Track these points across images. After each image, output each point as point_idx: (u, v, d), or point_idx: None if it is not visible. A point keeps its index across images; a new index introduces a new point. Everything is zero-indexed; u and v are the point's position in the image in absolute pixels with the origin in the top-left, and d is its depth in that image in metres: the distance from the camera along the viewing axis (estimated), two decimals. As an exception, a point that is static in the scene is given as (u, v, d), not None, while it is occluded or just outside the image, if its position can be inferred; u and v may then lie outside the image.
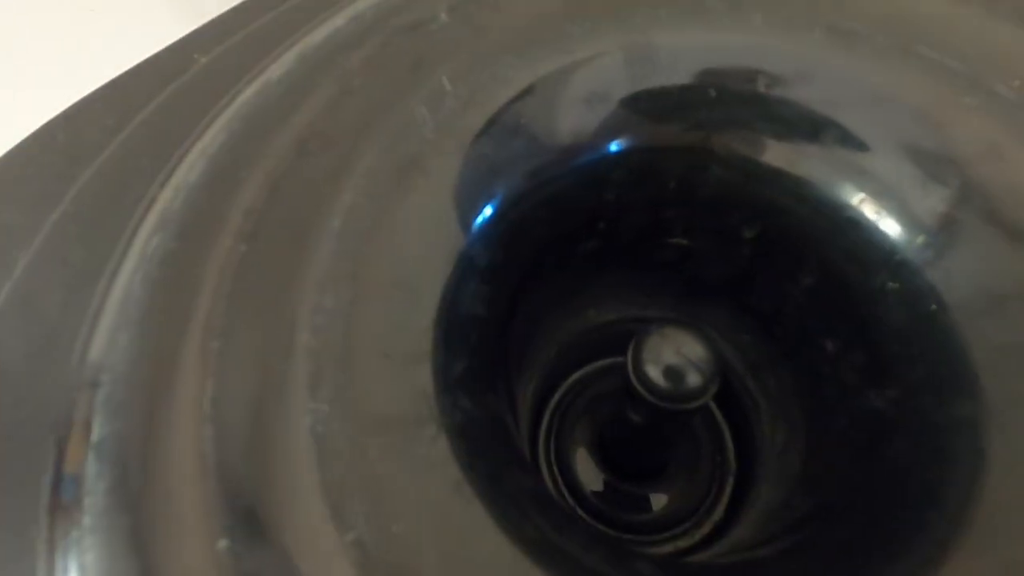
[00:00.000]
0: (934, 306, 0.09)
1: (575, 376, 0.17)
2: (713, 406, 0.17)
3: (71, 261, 0.11)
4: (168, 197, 0.09)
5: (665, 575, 0.09)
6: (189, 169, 0.09)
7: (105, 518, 0.07)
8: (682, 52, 0.12)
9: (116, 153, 0.13)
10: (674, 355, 0.11)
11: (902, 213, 0.10)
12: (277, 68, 0.11)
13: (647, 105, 0.11)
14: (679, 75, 0.12)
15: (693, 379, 0.11)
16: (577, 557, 0.08)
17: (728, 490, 0.16)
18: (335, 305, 0.09)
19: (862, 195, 0.11)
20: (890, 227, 0.10)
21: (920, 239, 0.10)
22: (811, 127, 0.11)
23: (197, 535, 0.07)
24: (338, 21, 0.12)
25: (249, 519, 0.07)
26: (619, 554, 0.09)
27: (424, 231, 0.10)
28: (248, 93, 0.11)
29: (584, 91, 0.11)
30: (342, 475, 0.08)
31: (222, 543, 0.07)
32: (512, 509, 0.08)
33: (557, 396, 0.17)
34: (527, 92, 0.11)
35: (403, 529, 0.08)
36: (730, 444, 0.17)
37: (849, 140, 0.11)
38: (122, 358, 0.08)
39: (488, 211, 0.11)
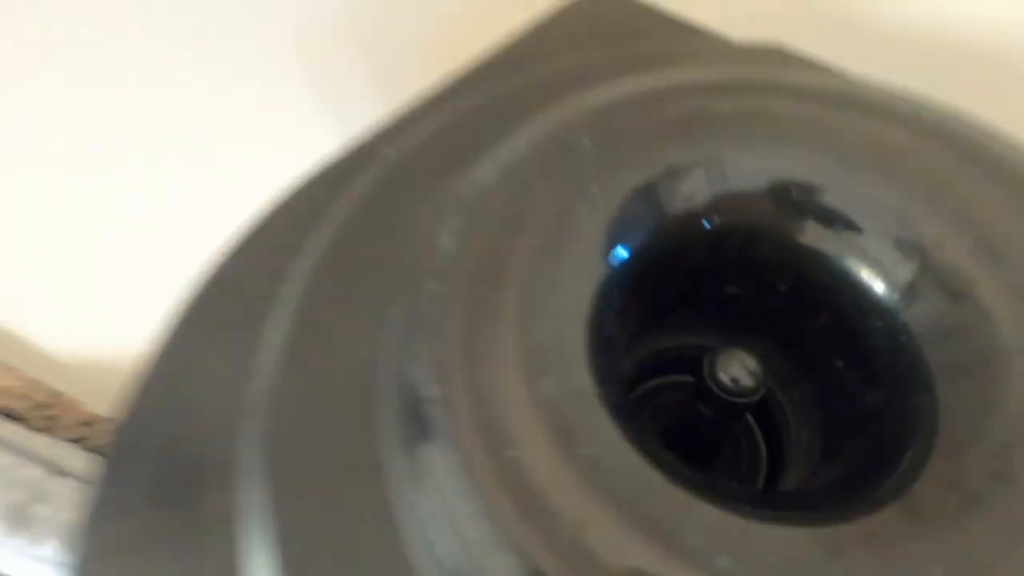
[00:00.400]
0: (904, 337, 0.15)
1: (648, 385, 0.23)
2: (750, 418, 0.23)
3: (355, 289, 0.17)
4: (445, 243, 0.15)
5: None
6: (453, 235, 0.16)
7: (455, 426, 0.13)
8: (741, 167, 0.18)
9: (352, 214, 0.20)
10: (737, 367, 0.17)
11: (886, 279, 0.16)
12: (490, 171, 0.17)
13: (721, 203, 0.17)
14: (741, 183, 0.18)
15: (748, 381, 0.17)
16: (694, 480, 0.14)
17: (762, 473, 0.22)
18: (545, 329, 0.15)
19: (861, 266, 0.17)
20: (878, 287, 0.16)
21: (896, 295, 0.16)
22: (828, 220, 0.17)
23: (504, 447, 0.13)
24: (516, 140, 0.18)
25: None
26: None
27: (580, 279, 0.16)
28: (466, 188, 0.17)
29: (683, 191, 0.17)
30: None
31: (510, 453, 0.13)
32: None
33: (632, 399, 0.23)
34: (647, 188, 0.17)
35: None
36: (762, 444, 0.23)
37: (854, 229, 0.17)
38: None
39: (624, 254, 0.17)
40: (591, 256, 0.17)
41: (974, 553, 0.12)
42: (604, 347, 0.16)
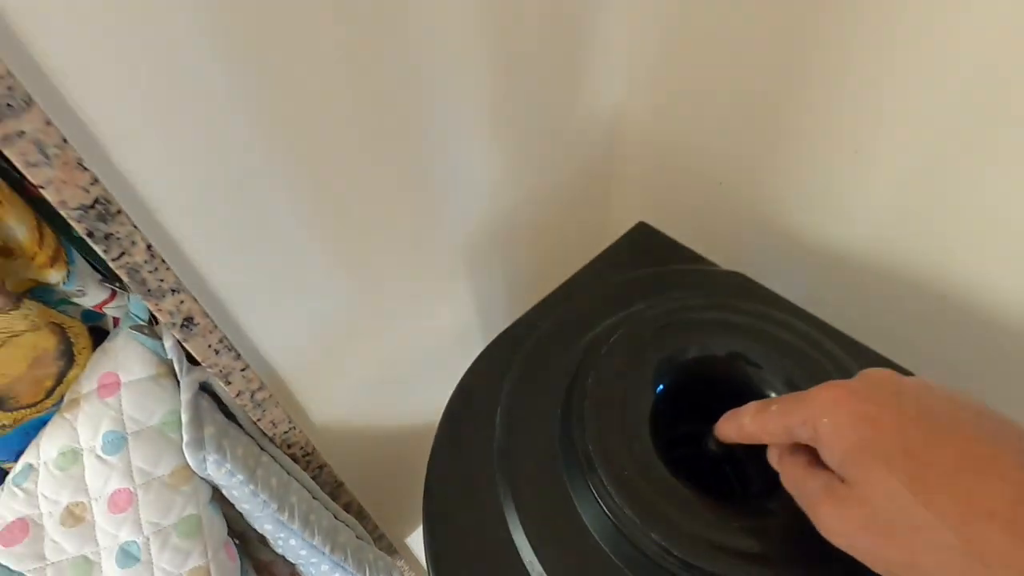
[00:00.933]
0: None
1: (677, 449, 0.45)
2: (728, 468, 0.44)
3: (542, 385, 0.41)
4: (589, 383, 0.39)
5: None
6: (592, 378, 0.39)
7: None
8: (713, 344, 0.41)
9: (527, 356, 0.43)
10: (713, 442, 0.39)
11: (772, 390, 0.39)
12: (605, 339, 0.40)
13: (704, 361, 0.40)
14: (713, 351, 0.41)
15: (717, 448, 0.39)
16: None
17: (736, 490, 0.43)
18: (631, 423, 0.38)
19: (766, 386, 0.39)
20: (771, 394, 0.39)
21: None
22: (751, 366, 0.40)
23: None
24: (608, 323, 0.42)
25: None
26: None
27: (645, 400, 0.39)
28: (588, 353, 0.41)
29: (687, 356, 0.40)
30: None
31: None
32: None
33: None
34: (669, 357, 0.40)
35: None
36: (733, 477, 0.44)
37: (761, 369, 0.40)
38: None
39: (661, 387, 0.39)
40: (648, 388, 0.40)
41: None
42: (656, 430, 0.39)
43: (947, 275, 0.47)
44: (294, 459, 0.54)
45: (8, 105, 0.26)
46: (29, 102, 0.26)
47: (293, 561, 0.54)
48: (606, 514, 0.36)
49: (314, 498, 0.54)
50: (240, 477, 0.46)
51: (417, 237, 0.53)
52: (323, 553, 0.52)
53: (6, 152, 0.27)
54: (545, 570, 0.35)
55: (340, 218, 0.45)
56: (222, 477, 0.46)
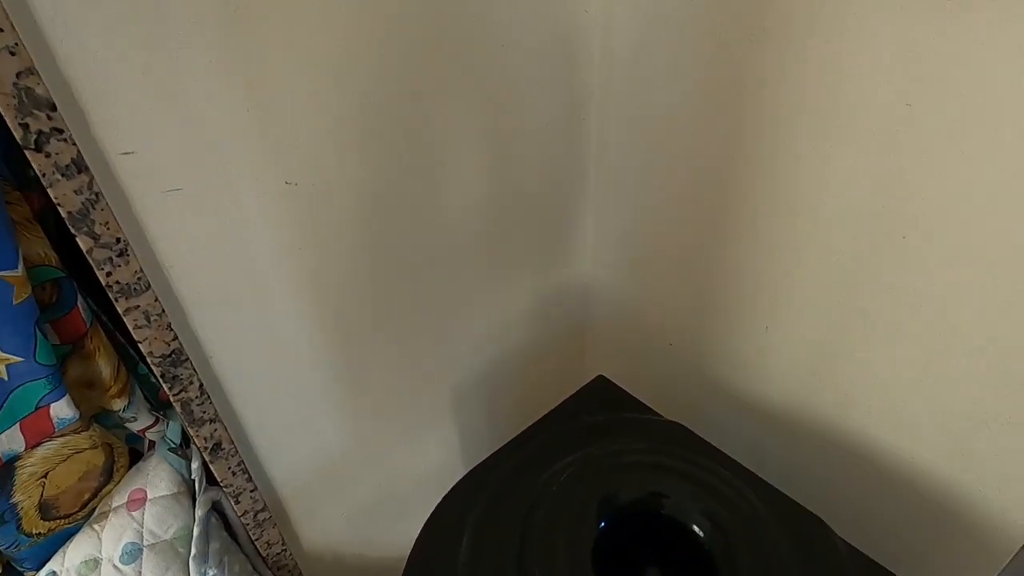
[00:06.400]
0: (700, 540, 0.45)
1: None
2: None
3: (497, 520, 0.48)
4: (539, 514, 0.46)
5: None
6: (541, 512, 0.47)
7: None
8: (644, 486, 0.49)
9: (494, 492, 0.51)
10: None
11: (693, 523, 0.46)
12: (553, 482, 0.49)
13: (636, 501, 0.48)
14: (643, 492, 0.49)
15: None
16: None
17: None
18: (576, 552, 0.45)
19: (688, 519, 0.47)
20: (692, 527, 0.46)
21: (701, 530, 0.46)
22: (667, 504, 0.48)
23: None
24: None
25: None
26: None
27: (589, 534, 0.47)
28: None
29: (621, 500, 0.48)
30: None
31: None
32: None
33: None
34: (606, 498, 0.48)
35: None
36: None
37: (679, 504, 0.47)
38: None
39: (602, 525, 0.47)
40: (591, 527, 0.47)
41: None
42: (596, 559, 0.46)
43: (849, 426, 0.56)
44: (282, 581, 0.59)
45: (134, 288, 0.38)
46: (148, 286, 0.39)
47: None
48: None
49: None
50: (234, 592, 0.52)
51: (414, 385, 0.63)
52: None
53: (126, 318, 0.38)
54: None
55: (352, 375, 0.56)
56: (218, 591, 0.52)
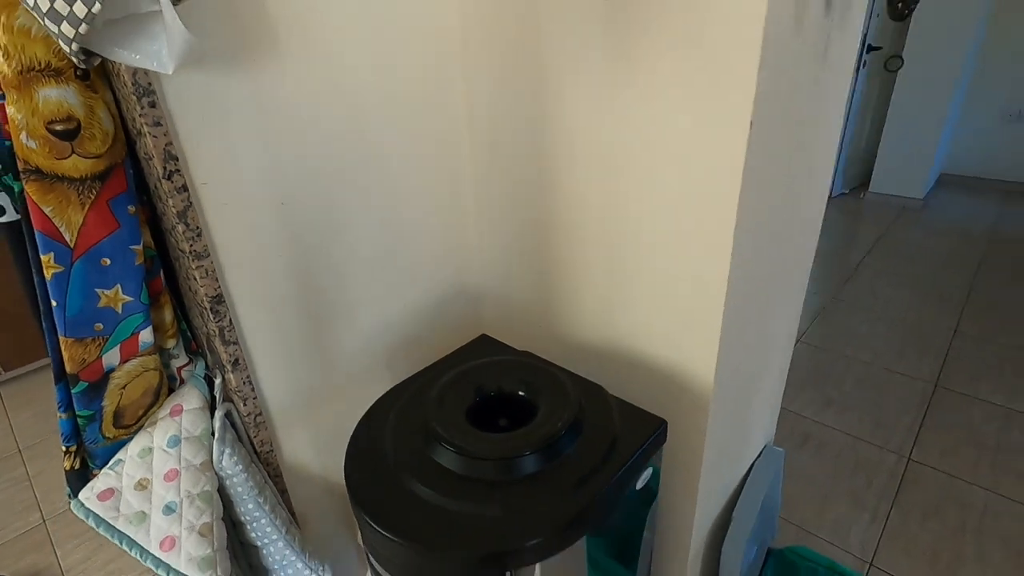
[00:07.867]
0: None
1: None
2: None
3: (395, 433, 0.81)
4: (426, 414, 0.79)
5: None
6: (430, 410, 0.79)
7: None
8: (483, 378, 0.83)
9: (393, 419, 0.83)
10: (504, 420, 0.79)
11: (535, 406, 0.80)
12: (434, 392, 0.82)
13: (498, 390, 0.82)
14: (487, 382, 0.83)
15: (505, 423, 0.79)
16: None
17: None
18: (453, 413, 0.77)
19: (537, 399, 0.81)
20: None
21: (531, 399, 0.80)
22: (525, 388, 0.82)
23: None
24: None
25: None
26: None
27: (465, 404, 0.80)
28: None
29: (487, 386, 0.82)
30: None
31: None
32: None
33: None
34: (479, 386, 0.82)
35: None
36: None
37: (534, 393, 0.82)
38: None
39: (478, 397, 0.80)
40: (468, 400, 0.80)
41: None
42: (470, 419, 0.79)
43: (612, 334, 0.92)
44: (268, 475, 0.87)
45: (202, 255, 0.71)
46: (208, 253, 0.71)
47: (259, 538, 0.83)
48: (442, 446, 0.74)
49: (278, 502, 0.86)
50: (240, 467, 0.80)
51: (354, 347, 0.95)
52: (281, 532, 0.83)
53: (196, 272, 0.71)
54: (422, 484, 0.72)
55: (316, 343, 0.88)
56: (230, 466, 0.80)
